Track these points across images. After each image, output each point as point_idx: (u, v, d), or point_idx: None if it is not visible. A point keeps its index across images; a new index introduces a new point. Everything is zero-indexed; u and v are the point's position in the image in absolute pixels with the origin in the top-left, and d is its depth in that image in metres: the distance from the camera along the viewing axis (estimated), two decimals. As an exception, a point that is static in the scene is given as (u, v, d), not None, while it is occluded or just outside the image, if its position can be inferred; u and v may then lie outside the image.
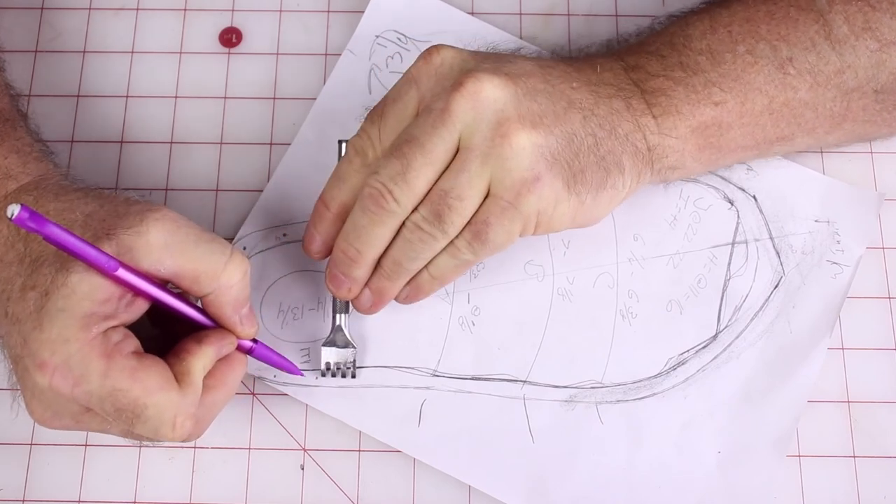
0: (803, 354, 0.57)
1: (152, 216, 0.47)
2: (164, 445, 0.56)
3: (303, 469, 0.56)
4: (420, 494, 0.56)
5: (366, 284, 0.54)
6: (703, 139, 0.55)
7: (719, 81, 0.54)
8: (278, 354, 0.54)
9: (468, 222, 0.51)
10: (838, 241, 0.60)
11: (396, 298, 0.55)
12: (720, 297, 0.59)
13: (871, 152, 0.63)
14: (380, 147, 0.52)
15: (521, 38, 0.65)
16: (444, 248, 0.52)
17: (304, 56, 0.65)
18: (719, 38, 0.55)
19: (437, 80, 0.51)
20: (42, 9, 0.66)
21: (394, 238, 0.52)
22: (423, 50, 0.53)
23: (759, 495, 0.55)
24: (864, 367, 0.58)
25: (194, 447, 0.56)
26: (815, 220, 0.60)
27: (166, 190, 0.62)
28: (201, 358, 0.48)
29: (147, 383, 0.45)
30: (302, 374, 0.56)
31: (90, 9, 0.66)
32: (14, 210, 0.41)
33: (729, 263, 0.59)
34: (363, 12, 0.65)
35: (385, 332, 0.58)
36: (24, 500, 0.56)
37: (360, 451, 0.57)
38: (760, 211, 0.60)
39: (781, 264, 0.59)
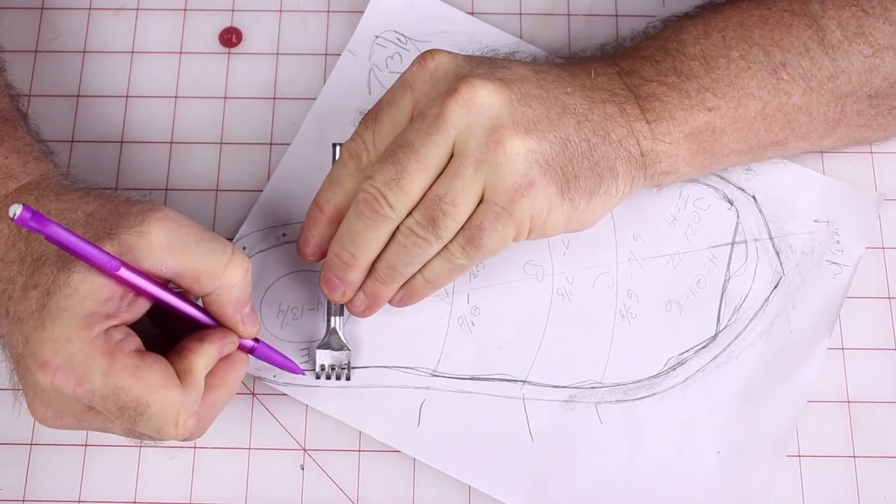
0: (803, 354, 0.57)
1: (154, 216, 0.47)
2: (166, 445, 0.56)
3: (303, 469, 0.56)
4: (420, 494, 0.56)
5: (360, 288, 0.54)
6: (697, 144, 0.55)
7: (713, 87, 0.54)
8: (280, 353, 0.55)
9: (462, 227, 0.51)
10: (838, 241, 0.60)
11: (390, 302, 0.56)
12: (720, 297, 0.59)
13: (871, 152, 0.63)
14: (374, 151, 0.52)
15: (520, 38, 0.65)
16: (438, 253, 0.52)
17: (304, 56, 0.65)
18: (713, 43, 0.55)
19: (431, 85, 0.52)
20: (42, 9, 0.66)
21: (388, 242, 0.52)
22: (422, 51, 0.53)
23: (759, 495, 0.55)
24: (864, 367, 0.58)
25: (194, 447, 0.56)
26: (815, 220, 0.60)
27: (166, 190, 0.62)
28: (203, 356, 0.48)
29: (149, 381, 0.45)
30: (303, 374, 0.56)
31: (90, 9, 0.66)
32: (16, 210, 0.41)
33: (728, 263, 0.59)
34: (363, 12, 0.65)
35: (385, 332, 0.58)
36: (24, 500, 0.56)
37: (360, 451, 0.57)
38: (760, 211, 0.60)
39: (781, 264, 0.59)
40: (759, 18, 0.55)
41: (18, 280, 0.47)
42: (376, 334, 0.58)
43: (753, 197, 0.61)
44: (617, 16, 0.66)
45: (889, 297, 0.60)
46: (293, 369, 0.55)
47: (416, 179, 0.50)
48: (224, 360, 0.50)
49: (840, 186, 0.61)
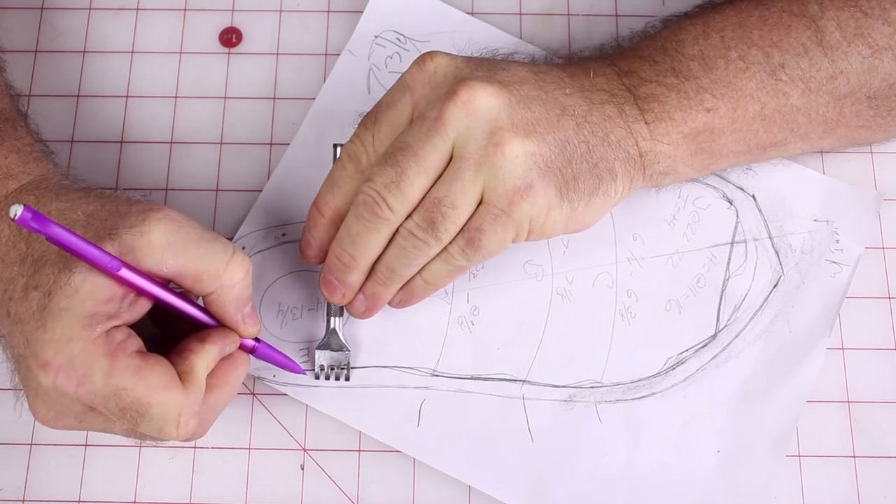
0: (803, 354, 0.57)
1: (154, 216, 0.47)
2: (166, 445, 0.56)
3: (303, 469, 0.56)
4: (420, 494, 0.56)
5: (359, 290, 0.54)
6: (695, 145, 0.55)
7: (711, 87, 0.54)
8: (280, 353, 0.55)
9: (461, 229, 0.51)
10: (837, 241, 0.60)
11: (390, 303, 0.56)
12: (719, 296, 0.59)
13: (871, 152, 0.63)
14: (373, 153, 0.52)
15: (520, 38, 0.65)
16: (437, 255, 0.52)
17: (304, 56, 0.65)
18: (711, 44, 0.55)
19: (430, 87, 0.52)
20: (42, 9, 0.66)
21: (388, 244, 0.52)
22: (421, 51, 0.53)
23: (759, 495, 0.55)
24: (863, 367, 0.58)
25: (194, 447, 0.56)
26: (815, 220, 0.60)
27: (166, 190, 0.62)
28: (204, 356, 0.48)
29: (151, 382, 0.45)
30: (304, 373, 0.56)
31: (90, 9, 0.66)
32: (17, 210, 0.41)
33: (728, 263, 0.59)
34: (363, 12, 0.65)
35: (384, 332, 0.58)
36: (24, 500, 0.56)
37: (360, 451, 0.57)
38: (759, 210, 0.60)
39: (780, 264, 0.59)
40: (757, 19, 0.55)
41: (19, 281, 0.47)
42: (376, 334, 0.58)
43: (753, 196, 0.61)
44: (617, 16, 0.66)
45: (889, 297, 0.60)
46: (294, 369, 0.55)
47: (416, 182, 0.50)
48: (225, 360, 0.50)
49: (840, 186, 0.61)
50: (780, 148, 0.57)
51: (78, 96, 0.64)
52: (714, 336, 0.58)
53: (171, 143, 0.63)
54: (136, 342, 0.47)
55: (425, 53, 0.53)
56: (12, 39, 0.65)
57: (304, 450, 0.57)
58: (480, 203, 0.51)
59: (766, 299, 0.59)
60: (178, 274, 0.47)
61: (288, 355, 0.55)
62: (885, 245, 0.60)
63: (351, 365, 0.57)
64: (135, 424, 0.46)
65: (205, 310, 0.50)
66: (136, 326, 0.48)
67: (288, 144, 0.62)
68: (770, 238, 0.60)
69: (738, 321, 0.58)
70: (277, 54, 0.65)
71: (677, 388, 0.57)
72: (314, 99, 0.63)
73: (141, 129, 0.63)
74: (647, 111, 0.54)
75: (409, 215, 0.51)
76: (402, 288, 0.55)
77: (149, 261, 0.46)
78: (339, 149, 0.55)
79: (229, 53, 0.65)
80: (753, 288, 0.59)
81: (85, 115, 0.63)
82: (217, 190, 0.62)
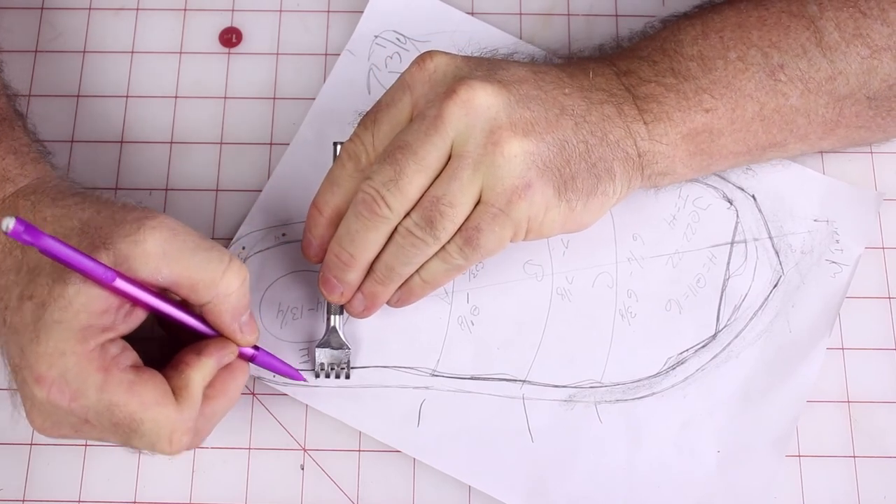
0: (803, 354, 0.57)
1: (149, 224, 0.47)
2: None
3: (303, 469, 0.56)
4: (420, 494, 0.56)
5: (358, 289, 0.54)
6: (694, 145, 0.55)
7: (710, 88, 0.54)
8: (280, 361, 0.54)
9: (459, 228, 0.51)
10: (837, 241, 0.60)
11: (388, 302, 0.56)
12: (719, 296, 0.59)
13: (871, 152, 0.63)
14: (373, 152, 0.52)
15: (520, 38, 0.65)
16: (435, 254, 0.52)
17: (304, 56, 0.65)
18: (711, 44, 0.55)
19: (430, 86, 0.52)
20: (42, 9, 0.66)
21: (386, 243, 0.52)
22: (421, 51, 0.53)
23: (759, 495, 0.55)
24: (863, 367, 0.58)
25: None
26: (815, 220, 0.60)
27: (166, 190, 0.62)
28: (200, 370, 0.48)
29: (144, 398, 0.45)
30: (304, 380, 0.56)
31: (90, 9, 0.66)
32: (9, 224, 0.40)
33: (728, 263, 0.59)
34: (363, 12, 0.65)
35: (384, 331, 0.58)
36: (24, 500, 0.56)
37: (360, 451, 0.57)
38: (759, 210, 0.60)
39: (780, 264, 0.59)
40: (757, 19, 0.55)
41: (14, 290, 0.47)
42: (376, 334, 0.58)
43: (753, 196, 0.61)
44: (617, 16, 0.66)
45: (889, 297, 0.60)
46: (294, 376, 0.55)
47: (415, 180, 0.50)
48: (224, 369, 0.50)
49: (840, 186, 0.61)
50: (779, 149, 0.57)
51: (78, 96, 0.64)
52: (714, 336, 0.58)
53: (171, 143, 0.63)
54: (131, 356, 0.47)
55: (425, 53, 0.53)
56: (12, 39, 0.65)
57: (304, 450, 0.57)
58: (479, 202, 0.51)
59: (766, 299, 0.59)
60: (173, 283, 0.47)
61: (286, 361, 0.55)
62: (885, 245, 0.60)
63: (351, 364, 0.57)
64: (127, 439, 0.46)
65: (202, 319, 0.50)
66: (140, 328, 0.48)
67: (288, 144, 0.62)
68: (770, 238, 0.60)
69: (738, 321, 0.58)
70: (277, 54, 0.65)
71: (677, 388, 0.57)
72: (314, 99, 0.63)
73: (141, 129, 0.63)
74: (646, 111, 0.54)
75: (408, 214, 0.51)
76: (400, 287, 0.55)
77: (144, 270, 0.46)
78: (338, 147, 0.55)
79: (229, 53, 0.65)
80: (753, 288, 0.59)
81: (85, 115, 0.63)
82: (217, 190, 0.62)
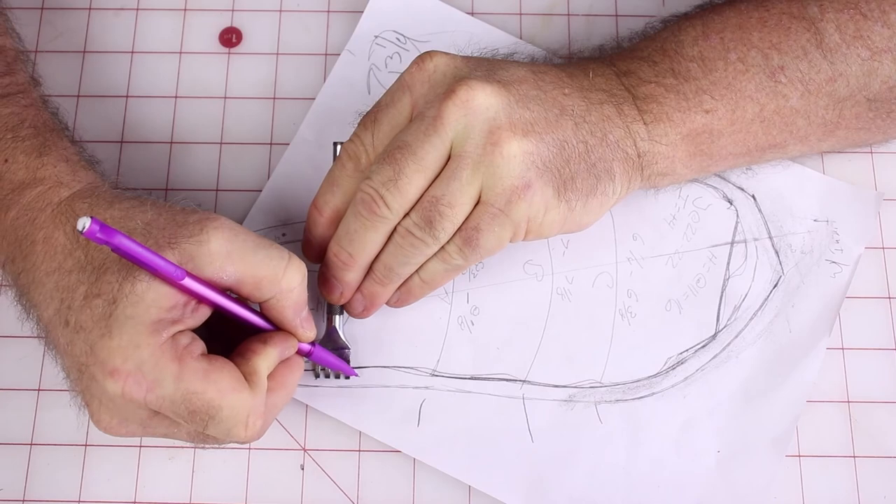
0: (802, 354, 0.57)
1: (212, 225, 0.47)
2: (169, 444, 0.56)
3: (303, 469, 0.56)
4: (420, 494, 0.56)
5: (358, 289, 0.55)
6: (694, 146, 0.55)
7: (710, 89, 0.54)
8: (334, 357, 0.55)
9: (459, 228, 0.51)
10: (837, 241, 0.60)
11: (387, 302, 0.56)
12: (719, 296, 0.59)
13: (871, 152, 0.63)
14: (373, 152, 0.53)
15: (520, 38, 0.65)
16: (434, 254, 0.53)
17: (304, 56, 0.65)
18: (711, 45, 0.55)
19: (430, 86, 0.52)
20: (42, 9, 0.66)
21: (385, 243, 0.52)
22: (421, 51, 0.53)
23: (759, 495, 0.55)
24: (863, 367, 0.58)
25: (194, 447, 0.56)
26: (814, 220, 0.60)
27: (166, 190, 0.62)
28: (266, 358, 0.49)
29: (220, 385, 0.46)
30: (357, 375, 0.57)
31: (90, 9, 0.66)
32: (85, 223, 0.41)
33: (728, 263, 0.59)
34: (363, 12, 0.65)
35: (384, 331, 0.58)
36: (24, 500, 0.56)
37: (360, 451, 0.57)
38: (759, 210, 0.60)
39: (780, 264, 0.59)
40: (757, 21, 0.55)
41: (79, 288, 0.47)
42: (376, 334, 0.58)
43: (753, 196, 0.61)
44: (617, 16, 0.66)
45: (889, 297, 0.60)
46: (348, 371, 0.56)
47: (414, 180, 0.50)
48: (283, 363, 0.51)
49: (840, 186, 0.61)
50: (779, 150, 0.57)
51: (78, 96, 0.64)
52: (714, 336, 0.58)
53: (171, 143, 0.63)
54: (201, 345, 0.47)
55: (424, 53, 0.53)
56: (12, 39, 0.65)
57: (304, 450, 0.57)
58: (478, 202, 0.51)
59: (766, 299, 0.59)
60: (237, 281, 0.48)
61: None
62: (885, 245, 0.60)
63: (351, 364, 0.57)
64: (204, 427, 0.46)
65: (263, 316, 0.51)
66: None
67: (288, 144, 0.62)
68: (770, 238, 0.60)
69: (738, 321, 0.58)
70: (277, 54, 0.65)
71: (677, 388, 0.57)
72: (314, 99, 0.63)
73: (141, 129, 0.63)
74: (646, 112, 0.54)
75: (407, 214, 0.51)
76: (399, 287, 0.55)
77: (209, 269, 0.47)
78: (338, 147, 0.55)
79: (229, 53, 0.65)
80: (753, 288, 0.59)
81: (85, 114, 0.64)
82: (217, 190, 0.62)
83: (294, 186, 0.61)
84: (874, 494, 0.56)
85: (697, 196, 0.61)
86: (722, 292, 0.59)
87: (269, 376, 0.49)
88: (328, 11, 0.66)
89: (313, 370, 0.57)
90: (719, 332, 0.58)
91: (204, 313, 0.48)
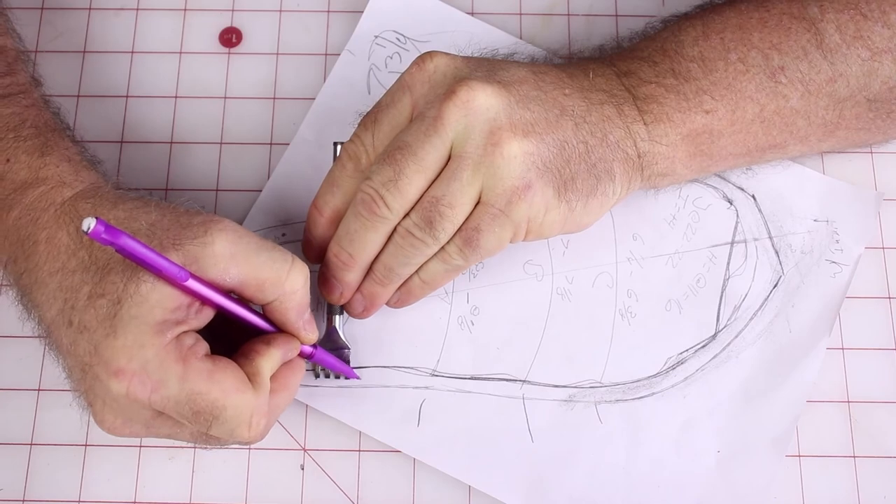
0: (802, 354, 0.57)
1: (216, 227, 0.47)
2: (171, 445, 0.56)
3: (303, 469, 0.56)
4: (420, 494, 0.56)
5: (358, 289, 0.55)
6: (694, 147, 0.55)
7: (710, 89, 0.54)
8: (336, 359, 0.55)
9: (459, 229, 0.51)
10: (837, 241, 0.60)
11: (388, 302, 0.56)
12: (719, 296, 0.59)
13: (871, 152, 0.63)
14: (373, 153, 0.53)
15: (520, 38, 0.65)
16: (435, 254, 0.53)
17: (303, 56, 0.65)
18: (711, 46, 0.55)
19: (430, 86, 0.52)
20: (42, 9, 0.66)
21: (386, 243, 0.52)
22: (421, 51, 0.53)
23: (759, 495, 0.55)
24: (863, 367, 0.58)
25: (194, 447, 0.56)
26: (814, 220, 0.60)
27: (166, 190, 0.62)
28: (269, 359, 0.49)
29: (224, 385, 0.46)
30: (359, 378, 0.57)
31: (90, 9, 0.66)
32: (90, 224, 0.41)
33: (728, 263, 0.59)
34: (363, 12, 0.65)
35: (384, 331, 0.58)
36: (24, 500, 0.56)
37: (360, 451, 0.57)
38: (759, 210, 0.60)
39: (780, 264, 0.59)
40: (757, 21, 0.55)
41: (83, 288, 0.47)
42: (376, 334, 0.58)
43: (753, 196, 0.61)
44: (617, 16, 0.66)
45: (889, 297, 0.60)
46: (349, 373, 0.56)
47: (414, 181, 0.50)
48: (285, 364, 0.51)
49: (840, 186, 0.61)
50: (779, 150, 0.57)
51: (78, 96, 0.64)
52: (714, 336, 0.58)
53: (171, 143, 0.63)
54: (205, 346, 0.47)
55: (425, 53, 0.53)
56: (12, 39, 0.65)
57: (304, 450, 0.57)
58: (478, 203, 0.51)
59: (766, 299, 0.59)
60: (241, 283, 0.48)
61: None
62: (885, 245, 0.60)
63: (351, 364, 0.57)
64: (207, 428, 0.46)
65: (266, 318, 0.51)
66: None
67: (288, 144, 0.62)
68: (770, 238, 0.60)
69: (738, 321, 0.58)
70: (277, 54, 0.65)
71: (677, 388, 0.57)
72: (314, 99, 0.63)
73: (141, 129, 0.63)
74: (646, 112, 0.54)
75: (407, 214, 0.51)
76: (399, 288, 0.55)
77: (212, 271, 0.47)
78: (338, 147, 0.55)
79: (229, 53, 0.65)
80: (753, 288, 0.59)
81: (85, 114, 0.64)
82: (217, 190, 0.62)
83: (294, 186, 0.61)
84: (874, 494, 0.56)
85: (697, 196, 0.61)
86: (722, 292, 0.59)
87: (272, 378, 0.49)
88: (328, 11, 0.66)
89: (313, 370, 0.57)
90: (719, 332, 0.58)
91: (208, 314, 0.48)
